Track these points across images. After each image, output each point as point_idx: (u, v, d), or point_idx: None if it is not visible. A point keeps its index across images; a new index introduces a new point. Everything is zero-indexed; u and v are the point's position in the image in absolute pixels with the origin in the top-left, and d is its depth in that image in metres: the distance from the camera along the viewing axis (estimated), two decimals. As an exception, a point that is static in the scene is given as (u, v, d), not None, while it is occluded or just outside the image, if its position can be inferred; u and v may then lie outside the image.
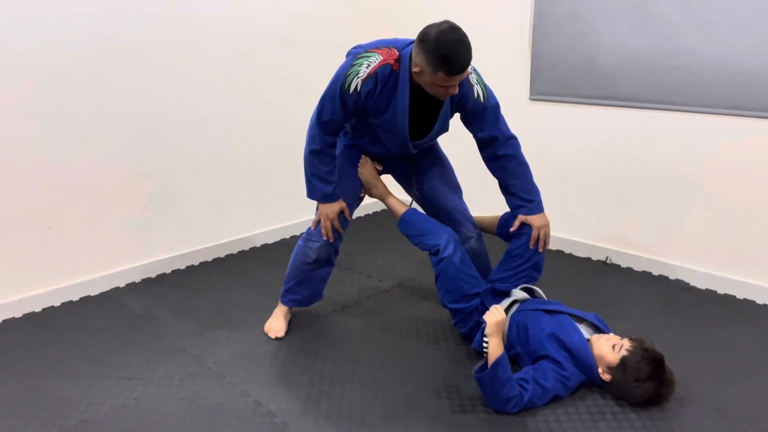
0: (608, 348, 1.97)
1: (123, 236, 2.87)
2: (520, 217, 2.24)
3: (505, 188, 2.27)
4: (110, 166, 2.75)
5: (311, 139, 2.16)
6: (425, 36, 1.87)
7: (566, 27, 2.97)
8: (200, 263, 3.16)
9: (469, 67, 2.06)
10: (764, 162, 2.56)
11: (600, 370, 1.98)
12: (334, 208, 2.25)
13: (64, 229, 2.67)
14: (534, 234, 2.22)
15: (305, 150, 2.18)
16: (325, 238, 2.28)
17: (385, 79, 2.01)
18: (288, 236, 3.53)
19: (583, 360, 1.98)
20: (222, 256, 3.26)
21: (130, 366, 2.22)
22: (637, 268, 3.02)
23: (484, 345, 1.98)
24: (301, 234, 3.50)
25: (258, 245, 3.41)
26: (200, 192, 3.12)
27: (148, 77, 2.80)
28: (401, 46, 2.02)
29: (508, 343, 2.12)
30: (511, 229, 2.27)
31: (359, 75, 1.99)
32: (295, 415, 1.94)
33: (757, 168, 2.58)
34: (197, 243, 3.16)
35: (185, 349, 2.33)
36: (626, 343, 1.97)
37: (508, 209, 2.36)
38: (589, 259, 3.18)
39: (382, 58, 1.99)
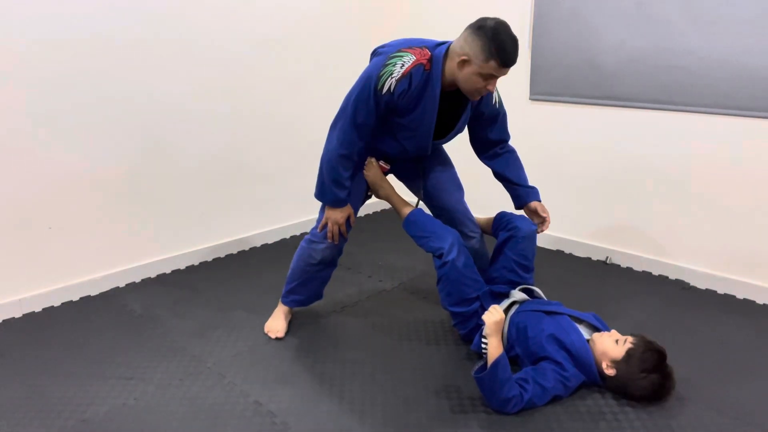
0: (611, 343, 1.98)
1: (123, 236, 2.87)
2: (536, 205, 2.33)
3: (507, 179, 2.36)
4: (110, 165, 2.75)
5: (341, 143, 2.07)
6: (483, 24, 1.90)
7: (566, 27, 2.97)
8: (200, 263, 3.16)
9: None
10: (764, 162, 2.56)
11: (604, 365, 1.98)
12: (343, 213, 2.23)
13: (64, 229, 2.67)
14: (548, 221, 2.33)
15: (330, 153, 2.10)
16: (330, 241, 2.28)
17: (418, 79, 1.99)
18: (288, 236, 3.53)
19: (582, 360, 1.98)
20: (222, 256, 3.26)
21: (130, 366, 2.22)
22: (637, 268, 3.02)
23: (483, 347, 1.98)
24: (302, 234, 3.55)
25: (258, 245, 3.41)
26: (200, 192, 3.12)
27: (148, 77, 2.80)
28: (432, 46, 2.02)
29: (508, 345, 2.12)
30: (532, 219, 2.37)
31: (393, 75, 1.96)
32: (295, 415, 1.94)
33: (757, 168, 2.58)
34: (197, 243, 3.16)
35: (185, 349, 2.33)
36: (629, 338, 1.98)
37: (505, 208, 2.39)
38: (589, 259, 3.18)
39: (415, 58, 1.97)
